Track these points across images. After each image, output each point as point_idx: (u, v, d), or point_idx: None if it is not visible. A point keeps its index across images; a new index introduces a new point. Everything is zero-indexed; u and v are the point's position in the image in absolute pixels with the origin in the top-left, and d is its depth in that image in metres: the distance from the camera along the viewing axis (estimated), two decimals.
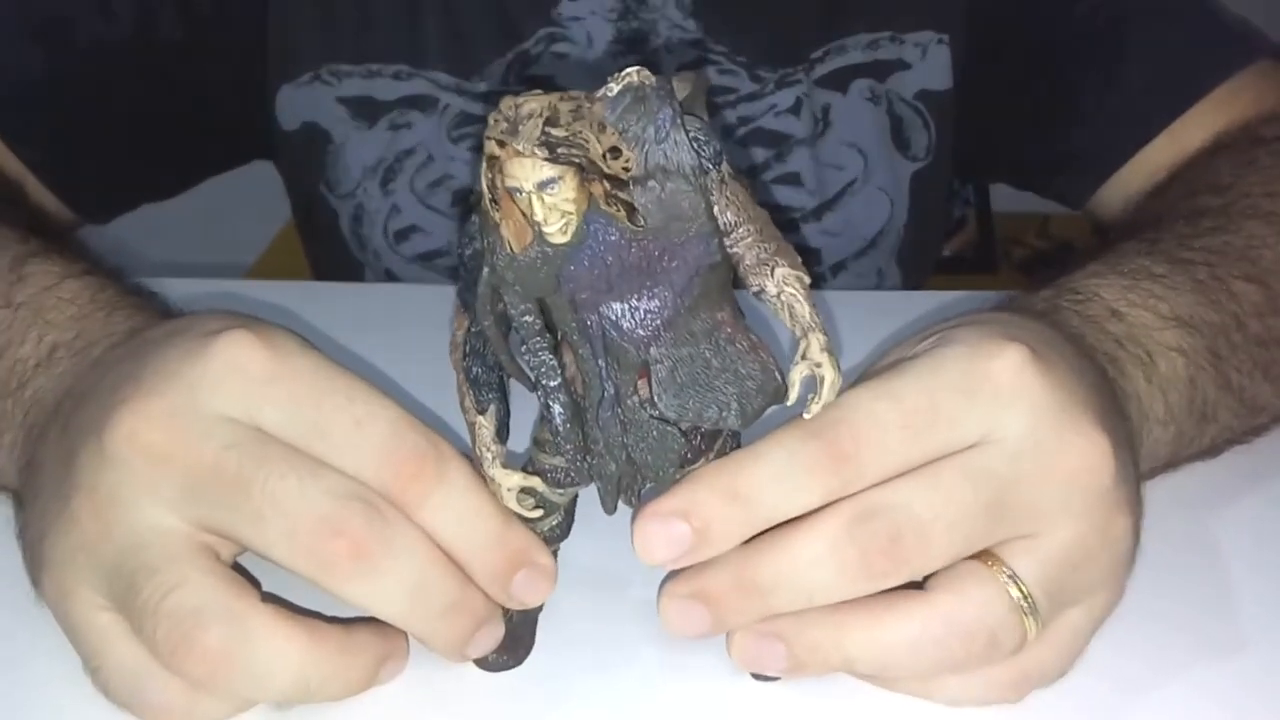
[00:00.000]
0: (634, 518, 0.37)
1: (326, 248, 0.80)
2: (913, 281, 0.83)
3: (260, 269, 1.62)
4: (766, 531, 0.36)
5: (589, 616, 0.42)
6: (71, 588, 0.36)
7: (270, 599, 0.36)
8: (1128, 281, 0.47)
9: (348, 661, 0.37)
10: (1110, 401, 0.40)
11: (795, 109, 0.74)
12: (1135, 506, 0.39)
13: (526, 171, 0.32)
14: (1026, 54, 0.74)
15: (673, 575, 0.38)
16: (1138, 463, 0.42)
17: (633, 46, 0.71)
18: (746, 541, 0.37)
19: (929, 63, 0.74)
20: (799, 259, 0.35)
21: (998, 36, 0.74)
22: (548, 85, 0.72)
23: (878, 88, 0.75)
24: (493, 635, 0.39)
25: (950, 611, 0.36)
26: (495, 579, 0.38)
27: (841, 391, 0.36)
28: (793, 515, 0.36)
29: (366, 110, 0.73)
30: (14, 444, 0.42)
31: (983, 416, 0.36)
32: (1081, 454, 0.36)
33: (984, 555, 0.37)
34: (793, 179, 0.75)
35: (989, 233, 1.91)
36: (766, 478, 0.36)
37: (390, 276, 0.78)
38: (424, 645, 0.38)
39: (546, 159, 0.32)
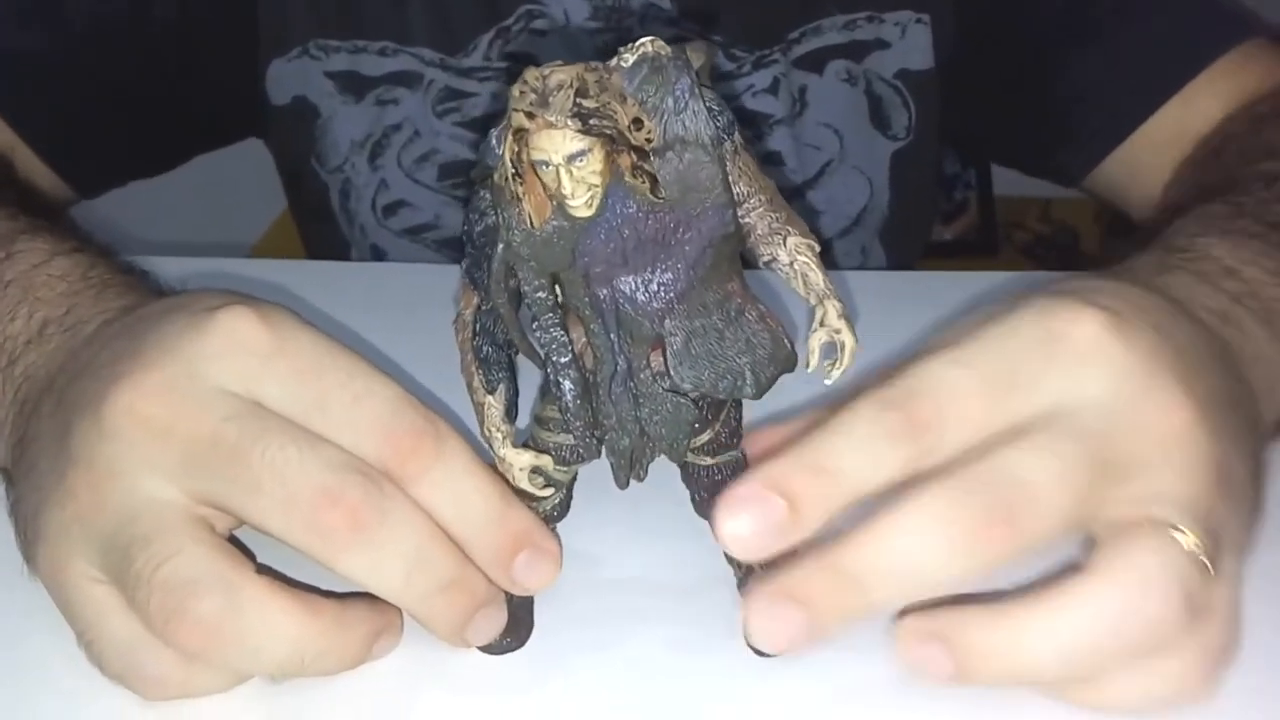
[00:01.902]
0: (712, 512, 0.35)
1: (316, 223, 0.81)
2: (901, 262, 0.83)
3: (263, 248, 1.62)
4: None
5: (584, 594, 0.42)
6: (66, 560, 0.36)
7: (265, 571, 0.36)
8: (1234, 240, 0.46)
9: (342, 635, 0.36)
10: (1204, 362, 0.38)
11: (773, 89, 0.74)
12: (1244, 461, 0.37)
13: (556, 144, 0.32)
14: (1018, 31, 0.73)
15: (751, 581, 0.37)
16: (1257, 419, 0.40)
17: (608, 23, 0.71)
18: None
19: (908, 42, 0.74)
20: (807, 227, 0.35)
21: (987, 14, 0.74)
22: (529, 61, 0.73)
23: (854, 68, 0.75)
24: (495, 620, 0.38)
25: (1130, 572, 0.33)
26: (496, 560, 0.37)
27: (907, 362, 0.35)
28: (878, 487, 0.34)
29: (353, 85, 0.74)
30: (4, 422, 0.42)
31: (1063, 378, 0.35)
32: (1166, 413, 0.35)
33: (1128, 526, 0.34)
34: (774, 159, 0.76)
35: (990, 216, 1.91)
36: (848, 449, 0.34)
37: (377, 251, 0.78)
38: (423, 627, 0.38)
39: (580, 130, 0.32)
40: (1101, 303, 0.36)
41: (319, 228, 0.80)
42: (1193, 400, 0.35)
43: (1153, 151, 0.70)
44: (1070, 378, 0.35)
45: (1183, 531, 0.34)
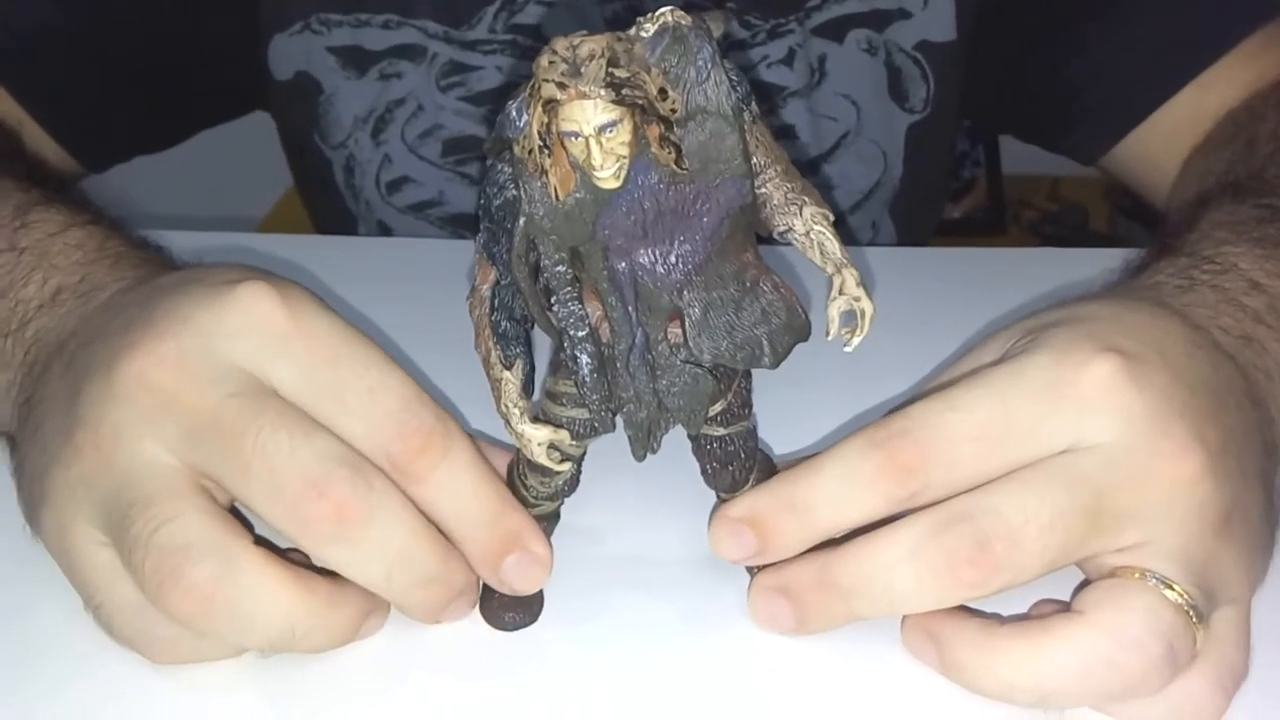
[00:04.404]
0: (710, 518, 0.39)
1: (321, 199, 0.80)
2: (912, 238, 0.82)
3: (271, 223, 1.62)
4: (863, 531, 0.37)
5: (594, 567, 0.42)
6: (70, 521, 0.36)
7: (263, 543, 0.36)
8: (1262, 251, 0.46)
9: (334, 613, 0.37)
10: (1219, 398, 0.38)
11: (788, 60, 0.73)
12: (1256, 498, 0.37)
13: (588, 114, 0.32)
14: (1038, 7, 0.72)
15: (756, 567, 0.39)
16: (1274, 444, 0.40)
17: None
18: (837, 542, 0.37)
19: (930, 12, 0.73)
20: (820, 196, 0.35)
21: None
22: (535, 34, 0.72)
23: (875, 38, 0.74)
24: (468, 605, 0.39)
25: (1115, 625, 0.34)
26: (486, 560, 0.38)
27: (919, 399, 0.37)
28: (856, 523, 0.36)
29: (356, 60, 0.73)
30: (11, 383, 0.42)
31: (1068, 426, 0.36)
32: (1175, 462, 0.35)
33: (1118, 571, 0.36)
34: (788, 132, 0.75)
35: (999, 194, 1.90)
36: (825, 489, 0.37)
37: (383, 227, 0.78)
38: (398, 609, 0.38)
39: (613, 101, 0.31)
40: (1116, 344, 0.36)
41: (325, 203, 0.80)
42: (1202, 447, 0.36)
43: (1169, 135, 0.69)
44: (1076, 425, 0.35)
45: (1172, 586, 0.35)
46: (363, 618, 0.38)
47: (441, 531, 0.38)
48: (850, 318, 0.35)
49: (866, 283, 0.35)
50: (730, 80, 0.33)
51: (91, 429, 0.36)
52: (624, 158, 0.33)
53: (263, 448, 0.35)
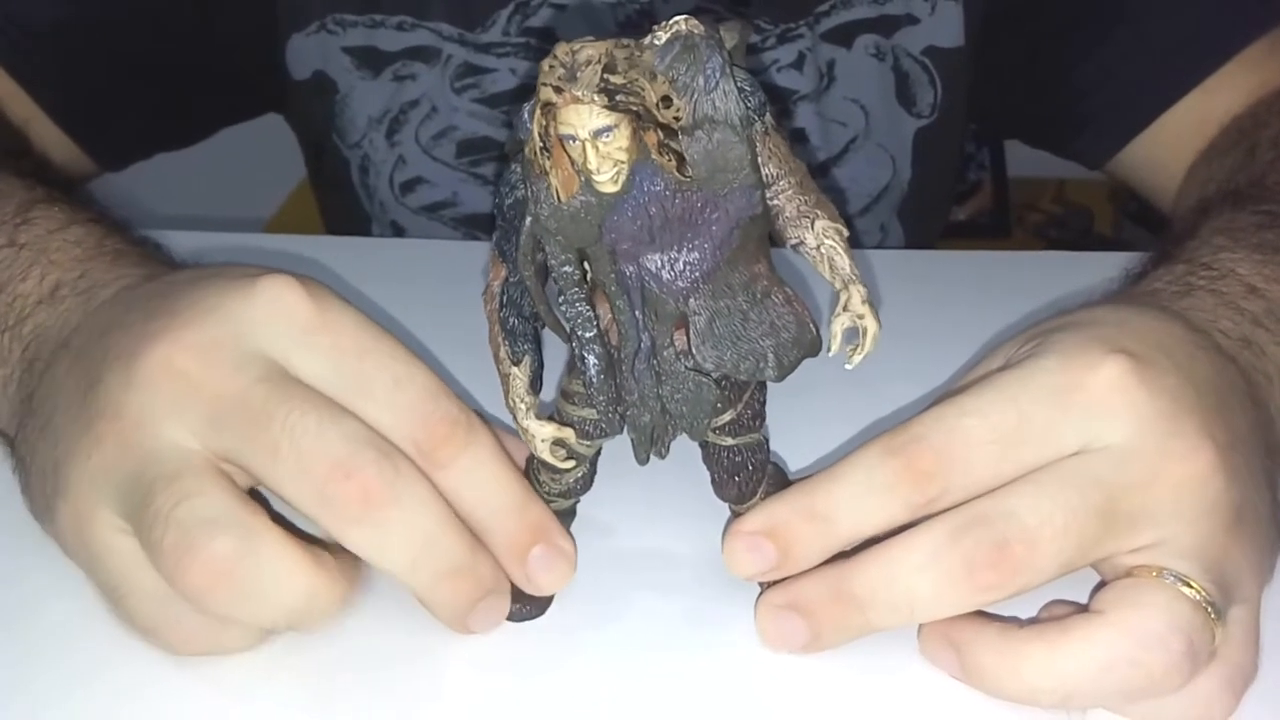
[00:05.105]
0: (723, 534, 0.39)
1: (338, 198, 0.81)
2: (919, 241, 0.82)
3: (277, 224, 1.63)
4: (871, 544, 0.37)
5: (603, 566, 0.42)
6: (91, 511, 0.36)
7: (281, 521, 0.36)
8: (1261, 256, 0.46)
9: (350, 590, 0.36)
10: (1224, 398, 0.39)
11: (798, 64, 0.73)
12: (1264, 496, 0.38)
13: (583, 118, 0.32)
14: (1044, 13, 0.73)
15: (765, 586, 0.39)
16: (1276, 445, 0.40)
17: None
18: (848, 554, 0.37)
19: (938, 18, 0.74)
20: (836, 211, 0.35)
21: None
22: (549, 37, 0.72)
23: (883, 43, 0.74)
24: (498, 609, 0.39)
25: (1135, 623, 0.35)
26: (512, 550, 0.38)
27: (932, 406, 0.37)
28: (877, 532, 0.36)
29: (370, 60, 0.73)
30: (9, 379, 0.42)
31: (1079, 428, 0.36)
32: (1186, 460, 0.36)
33: (1134, 570, 0.36)
34: (799, 135, 0.75)
35: (1004, 197, 1.90)
36: (844, 497, 0.37)
37: (397, 228, 0.78)
38: (426, 609, 0.38)
39: (606, 106, 0.32)
40: (1123, 345, 0.37)
41: (341, 202, 0.80)
42: (1212, 445, 0.36)
43: (1174, 140, 0.69)
44: (1087, 427, 0.36)
45: (1189, 583, 0.35)
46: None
47: (467, 527, 0.38)
48: (854, 334, 0.35)
49: (874, 300, 0.35)
50: (741, 90, 0.33)
51: (112, 418, 0.37)
52: (622, 163, 0.33)
53: (291, 429, 0.35)
